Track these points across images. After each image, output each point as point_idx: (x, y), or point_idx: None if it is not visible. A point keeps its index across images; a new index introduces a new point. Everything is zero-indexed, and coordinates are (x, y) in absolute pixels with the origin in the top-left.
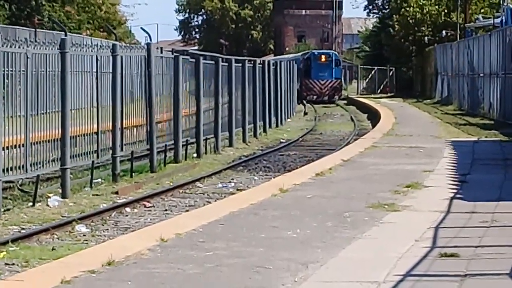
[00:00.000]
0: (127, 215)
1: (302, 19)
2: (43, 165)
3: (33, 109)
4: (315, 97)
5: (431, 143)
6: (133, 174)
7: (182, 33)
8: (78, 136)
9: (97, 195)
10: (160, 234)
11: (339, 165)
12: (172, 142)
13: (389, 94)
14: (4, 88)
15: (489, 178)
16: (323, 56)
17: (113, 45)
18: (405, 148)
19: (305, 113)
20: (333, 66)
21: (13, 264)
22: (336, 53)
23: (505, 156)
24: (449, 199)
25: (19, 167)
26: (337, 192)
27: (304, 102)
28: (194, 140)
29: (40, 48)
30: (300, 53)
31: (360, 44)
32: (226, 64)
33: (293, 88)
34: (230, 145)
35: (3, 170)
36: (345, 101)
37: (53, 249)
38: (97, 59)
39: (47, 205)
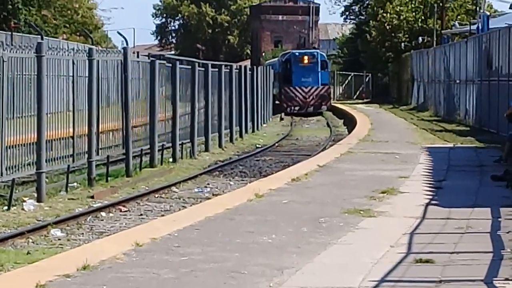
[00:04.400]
0: (102, 220)
1: (279, 24)
2: (18, 169)
3: (9, 112)
4: (297, 108)
5: (407, 149)
6: (109, 178)
7: (159, 37)
8: (54, 140)
9: (72, 199)
10: (136, 239)
11: (315, 171)
12: (148, 146)
13: (365, 100)
14: None
15: (465, 184)
16: (306, 57)
17: (90, 49)
18: (381, 154)
19: (281, 119)
20: (319, 69)
21: None
22: (322, 53)
23: (481, 163)
24: (425, 205)
25: None
26: (313, 198)
27: (282, 115)
28: (170, 144)
29: (16, 52)
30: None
31: (336, 50)
32: (203, 69)
33: (269, 93)
34: (206, 150)
35: None
36: None
37: (28, 253)
38: (73, 63)
39: (23, 209)
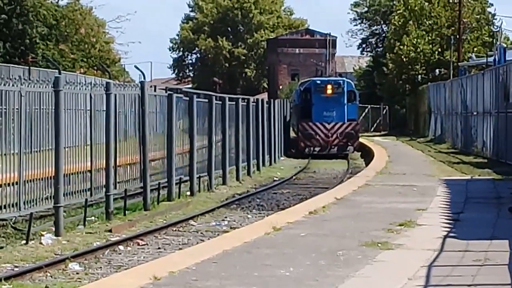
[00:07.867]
0: (120, 253)
1: (296, 57)
2: (36, 203)
3: (26, 147)
4: (317, 148)
5: (424, 182)
6: (127, 212)
7: (176, 71)
8: (72, 174)
9: (90, 233)
10: (153, 272)
11: (332, 203)
12: (166, 180)
13: (382, 132)
14: None
15: (482, 216)
16: (329, 86)
17: (107, 83)
18: (399, 187)
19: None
20: (345, 101)
21: None
22: (349, 81)
23: (498, 195)
24: (443, 237)
25: (13, 205)
26: (331, 231)
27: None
28: (187, 178)
29: (34, 86)
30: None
31: (353, 82)
32: (220, 102)
33: (286, 126)
34: (224, 183)
35: None
36: None
37: (46, 287)
38: (90, 97)
39: (41, 243)
